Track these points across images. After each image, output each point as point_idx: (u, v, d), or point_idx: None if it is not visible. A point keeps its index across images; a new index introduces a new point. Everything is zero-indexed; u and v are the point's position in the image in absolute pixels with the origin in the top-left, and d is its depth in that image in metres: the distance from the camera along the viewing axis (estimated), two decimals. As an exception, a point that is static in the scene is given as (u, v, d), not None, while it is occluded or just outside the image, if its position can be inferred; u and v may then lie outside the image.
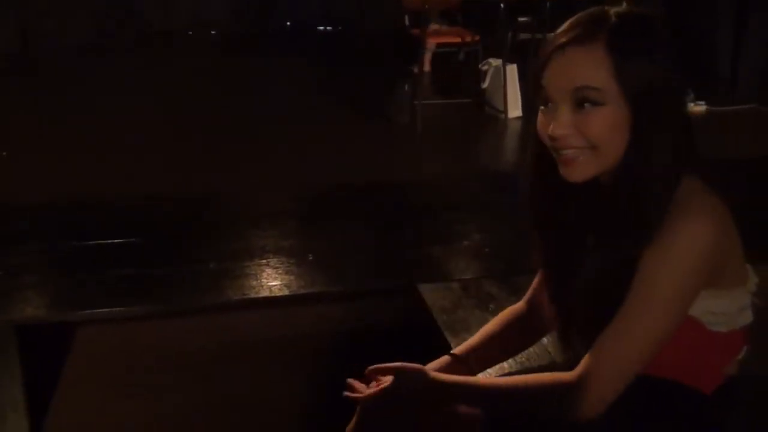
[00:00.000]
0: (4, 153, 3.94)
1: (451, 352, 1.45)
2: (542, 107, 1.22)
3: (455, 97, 5.07)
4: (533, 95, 1.24)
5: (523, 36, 5.23)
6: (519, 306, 1.51)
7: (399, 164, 4.00)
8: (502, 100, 4.83)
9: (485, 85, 5.03)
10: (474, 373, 1.48)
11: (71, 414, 2.26)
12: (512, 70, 4.85)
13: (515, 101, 4.90)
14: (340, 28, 8.20)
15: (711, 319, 1.20)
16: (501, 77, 4.81)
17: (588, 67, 1.15)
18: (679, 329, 1.17)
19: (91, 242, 2.67)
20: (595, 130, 1.15)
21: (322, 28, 8.36)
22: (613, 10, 1.19)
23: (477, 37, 5.13)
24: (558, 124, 1.17)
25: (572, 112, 1.17)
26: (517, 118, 4.88)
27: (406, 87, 4.88)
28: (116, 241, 2.69)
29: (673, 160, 1.17)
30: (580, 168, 1.19)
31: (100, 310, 2.26)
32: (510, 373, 1.61)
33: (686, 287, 1.15)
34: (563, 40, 1.18)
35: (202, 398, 2.37)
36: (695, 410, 1.24)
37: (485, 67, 5.03)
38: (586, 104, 1.15)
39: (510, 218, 2.89)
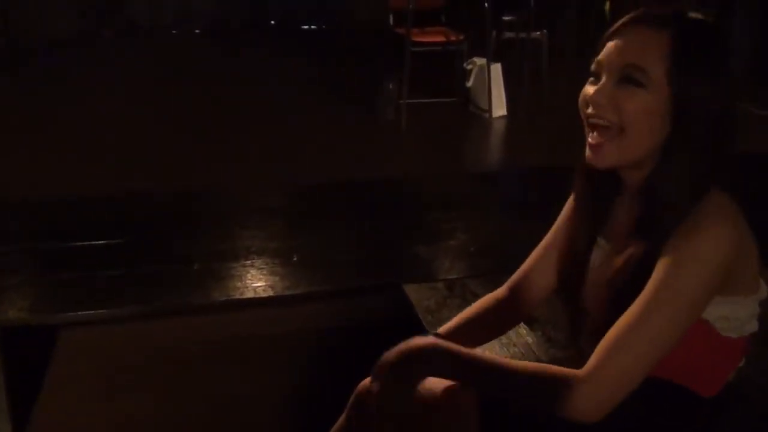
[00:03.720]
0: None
1: (436, 332, 1.44)
2: (591, 79, 1.23)
3: (440, 96, 5.08)
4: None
5: (508, 35, 5.24)
6: (500, 291, 1.50)
7: (384, 163, 4.00)
8: (487, 100, 4.83)
9: (470, 84, 5.04)
10: None
11: (54, 417, 2.25)
12: (496, 69, 4.86)
13: (500, 100, 4.90)
14: (324, 27, 8.19)
15: (724, 325, 1.20)
16: (485, 76, 4.82)
17: (646, 48, 1.16)
18: (692, 333, 1.16)
19: (74, 243, 2.65)
20: (629, 108, 1.16)
21: (306, 27, 8.35)
22: (689, 12, 1.19)
23: (461, 36, 5.13)
24: (598, 92, 1.19)
25: (614, 86, 1.18)
26: (502, 117, 4.89)
27: (391, 86, 4.87)
28: (100, 242, 2.67)
29: (702, 176, 1.16)
30: (603, 154, 1.19)
31: (84, 312, 2.24)
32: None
33: (700, 294, 1.14)
34: (634, 17, 1.19)
35: (187, 399, 2.37)
36: (694, 413, 1.24)
37: (469, 67, 5.04)
38: (629, 83, 1.17)
39: (495, 218, 2.90)
